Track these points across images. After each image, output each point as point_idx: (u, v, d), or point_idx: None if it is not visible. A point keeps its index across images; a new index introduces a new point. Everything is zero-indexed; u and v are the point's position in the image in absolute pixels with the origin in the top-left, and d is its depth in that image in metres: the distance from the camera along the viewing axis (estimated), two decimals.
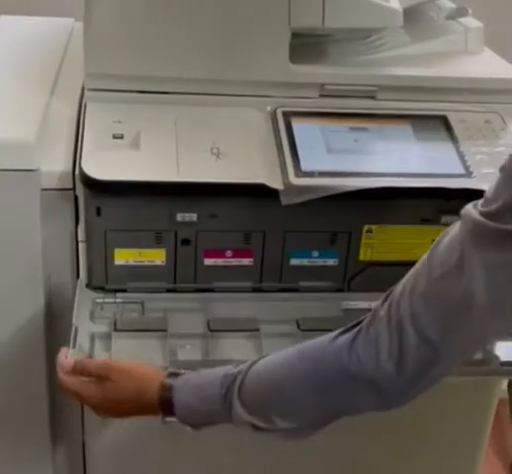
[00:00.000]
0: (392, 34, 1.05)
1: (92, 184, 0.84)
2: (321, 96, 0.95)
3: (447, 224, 0.92)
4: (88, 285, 0.91)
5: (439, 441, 1.05)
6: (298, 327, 0.89)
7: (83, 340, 0.83)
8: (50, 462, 1.03)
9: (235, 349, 0.85)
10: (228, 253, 0.92)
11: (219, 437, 0.99)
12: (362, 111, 0.95)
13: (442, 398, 0.99)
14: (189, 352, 0.83)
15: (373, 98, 0.96)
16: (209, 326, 0.87)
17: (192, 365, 0.80)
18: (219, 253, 0.92)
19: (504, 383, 1.09)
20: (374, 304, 0.70)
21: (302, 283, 0.94)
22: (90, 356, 0.82)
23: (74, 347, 0.80)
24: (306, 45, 1.01)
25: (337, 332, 0.71)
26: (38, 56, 1.10)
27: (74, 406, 0.98)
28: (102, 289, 0.90)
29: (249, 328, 0.87)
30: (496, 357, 0.86)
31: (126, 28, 0.90)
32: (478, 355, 0.86)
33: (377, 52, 1.04)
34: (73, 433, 1.01)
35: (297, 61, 0.94)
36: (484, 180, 0.88)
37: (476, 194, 0.87)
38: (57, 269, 0.91)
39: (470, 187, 0.87)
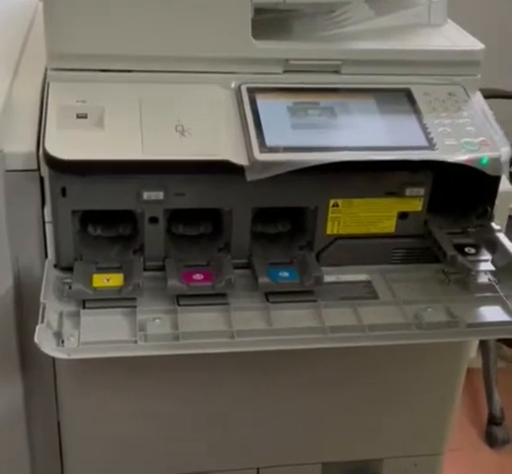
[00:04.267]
0: (356, 8, 1.05)
1: (56, 164, 0.83)
2: (286, 71, 0.95)
3: (411, 196, 0.95)
4: (56, 266, 0.91)
5: (408, 407, 1.07)
6: (267, 300, 0.90)
7: (52, 317, 0.83)
8: (26, 443, 1.04)
9: (205, 322, 0.86)
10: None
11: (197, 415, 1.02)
12: (326, 85, 0.96)
13: (411, 364, 1.02)
14: (158, 326, 0.84)
15: (337, 72, 0.96)
16: (178, 301, 0.88)
17: (161, 338, 0.82)
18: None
19: (473, 350, 1.11)
20: None
21: (271, 260, 0.95)
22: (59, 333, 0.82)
23: (42, 322, 0.80)
24: (270, 22, 1.00)
25: None
26: (0, 37, 1.09)
27: (48, 386, 0.99)
28: (70, 270, 0.90)
29: (218, 302, 0.88)
30: (462, 320, 0.88)
31: (86, 6, 0.89)
32: (445, 318, 0.88)
33: (341, 27, 1.04)
34: (48, 412, 1.02)
35: (260, 37, 0.94)
36: (446, 151, 0.89)
37: (439, 165, 0.90)
38: (25, 250, 0.91)
39: (433, 158, 0.89)
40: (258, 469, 1.09)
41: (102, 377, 0.95)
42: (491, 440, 1.78)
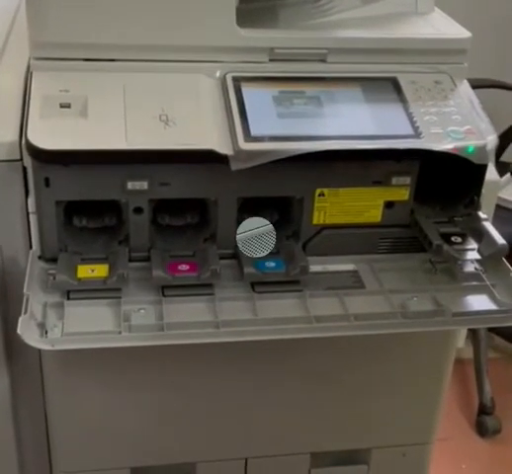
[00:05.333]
0: None
1: (38, 154, 0.83)
2: (271, 60, 0.95)
3: (398, 185, 0.94)
4: (41, 257, 0.91)
5: (396, 396, 1.07)
6: (253, 290, 0.89)
7: (36, 308, 0.83)
8: (13, 434, 1.03)
9: (190, 312, 0.85)
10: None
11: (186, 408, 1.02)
12: (312, 74, 0.95)
13: (399, 353, 1.02)
14: (143, 316, 0.84)
15: (323, 61, 0.96)
16: (163, 292, 0.88)
17: (146, 329, 0.81)
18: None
19: (461, 339, 1.11)
20: None
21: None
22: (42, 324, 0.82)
23: (26, 313, 0.80)
24: (256, 10, 1.00)
25: None
26: None
27: (34, 377, 0.99)
28: (55, 261, 0.90)
29: (204, 293, 0.88)
30: (449, 309, 0.88)
31: None
32: (431, 307, 0.88)
33: (327, 15, 1.03)
34: (35, 403, 1.02)
35: (246, 26, 0.93)
36: (432, 140, 0.89)
37: (425, 154, 0.89)
38: (9, 241, 0.90)
39: (419, 147, 0.88)
40: (246, 459, 1.09)
41: (88, 368, 0.95)
42: (482, 430, 1.79)
